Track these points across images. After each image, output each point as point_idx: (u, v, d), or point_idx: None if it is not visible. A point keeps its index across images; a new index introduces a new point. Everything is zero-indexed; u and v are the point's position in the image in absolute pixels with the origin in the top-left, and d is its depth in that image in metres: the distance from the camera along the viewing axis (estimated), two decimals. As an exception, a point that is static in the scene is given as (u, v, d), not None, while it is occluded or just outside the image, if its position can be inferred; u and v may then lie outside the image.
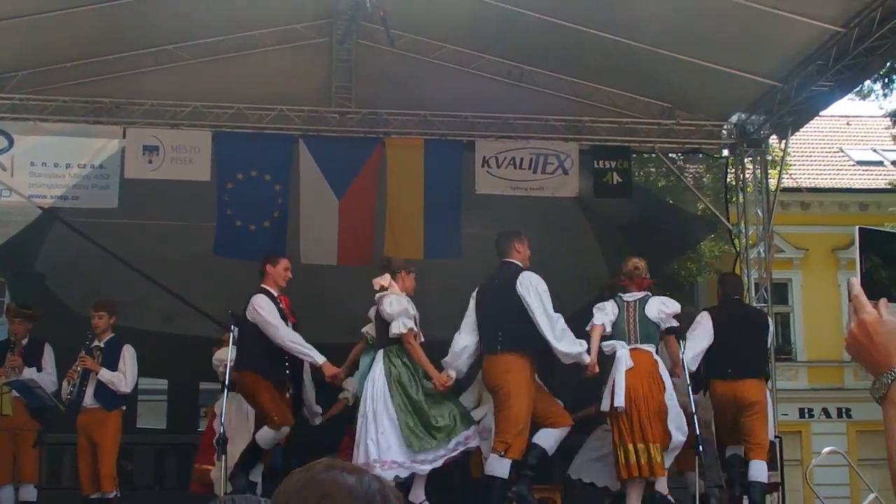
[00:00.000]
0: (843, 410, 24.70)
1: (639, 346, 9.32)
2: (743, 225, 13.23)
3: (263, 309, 9.36)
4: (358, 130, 12.73)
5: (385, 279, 9.46)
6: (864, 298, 2.06)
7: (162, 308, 14.83)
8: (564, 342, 8.94)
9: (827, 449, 13.13)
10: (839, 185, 26.16)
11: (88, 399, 9.95)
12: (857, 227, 2.12)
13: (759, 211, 13.13)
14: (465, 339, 9.26)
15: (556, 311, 9.11)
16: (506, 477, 8.68)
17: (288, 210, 12.41)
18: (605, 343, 9.40)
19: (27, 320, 10.66)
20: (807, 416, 24.24)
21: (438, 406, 9.03)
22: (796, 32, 10.58)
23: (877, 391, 1.99)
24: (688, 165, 18.87)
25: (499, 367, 8.97)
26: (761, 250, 13.03)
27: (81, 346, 10.06)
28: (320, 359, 9.34)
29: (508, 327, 9.01)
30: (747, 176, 13.43)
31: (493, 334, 9.09)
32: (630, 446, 8.97)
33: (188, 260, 13.75)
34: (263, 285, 9.64)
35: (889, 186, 24.05)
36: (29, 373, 10.23)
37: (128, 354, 10.13)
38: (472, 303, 9.42)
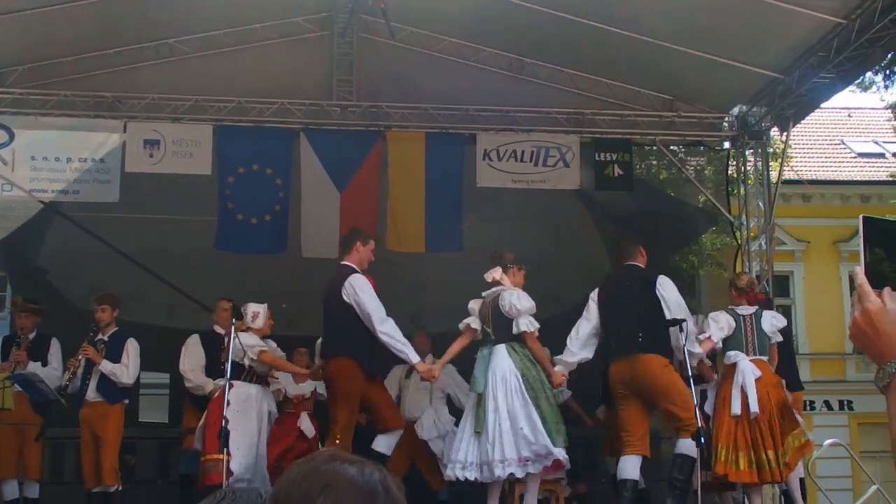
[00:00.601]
0: (845, 403, 24.69)
1: (757, 356, 9.68)
2: (744, 217, 13.23)
3: (364, 290, 9.03)
4: (359, 124, 12.71)
5: (496, 272, 9.35)
6: (867, 287, 2.05)
7: (163, 302, 14.86)
8: (690, 343, 9.04)
9: (829, 441, 13.12)
10: (841, 178, 26.12)
11: (91, 392, 9.92)
12: (860, 215, 2.11)
13: (760, 203, 13.13)
14: (584, 340, 9.35)
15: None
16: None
17: (289, 204, 12.40)
18: (729, 353, 9.74)
19: (34, 315, 10.61)
20: (808, 408, 24.17)
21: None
22: (797, 24, 10.56)
23: (880, 380, 1.99)
24: (689, 158, 18.84)
25: (648, 364, 9.03)
26: (763, 243, 13.02)
27: (85, 338, 10.02)
28: (415, 357, 9.18)
29: (648, 328, 9.11)
30: (748, 168, 13.42)
31: (633, 335, 9.15)
32: (766, 453, 9.34)
33: (189, 254, 13.77)
34: (351, 264, 9.25)
35: (891, 178, 24.03)
36: (34, 367, 10.19)
37: (131, 348, 10.09)
38: (594, 304, 9.45)
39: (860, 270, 2.06)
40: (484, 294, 9.36)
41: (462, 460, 8.93)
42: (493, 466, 8.74)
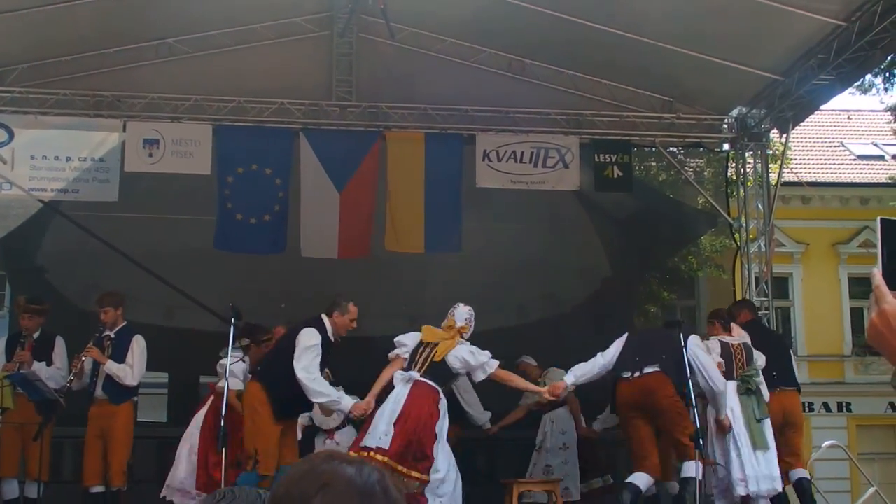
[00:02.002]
0: (844, 405, 24.70)
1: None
2: (743, 219, 13.23)
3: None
4: (358, 124, 12.71)
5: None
6: (884, 288, 2.04)
7: (162, 301, 14.84)
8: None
9: (827, 443, 13.15)
10: (840, 180, 26.12)
11: (99, 391, 9.92)
12: (878, 217, 2.10)
13: (759, 205, 13.13)
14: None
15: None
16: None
17: (288, 203, 12.40)
18: None
19: (38, 315, 10.58)
20: (807, 410, 24.15)
21: None
22: (797, 26, 10.57)
23: None
24: (688, 159, 18.87)
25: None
26: (762, 244, 13.03)
27: (91, 337, 9.98)
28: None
29: None
30: (748, 170, 13.42)
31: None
32: None
33: (189, 253, 13.75)
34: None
35: (890, 181, 24.03)
36: (38, 367, 10.17)
37: (136, 347, 10.01)
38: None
39: (877, 272, 2.05)
40: None
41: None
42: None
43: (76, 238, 13.92)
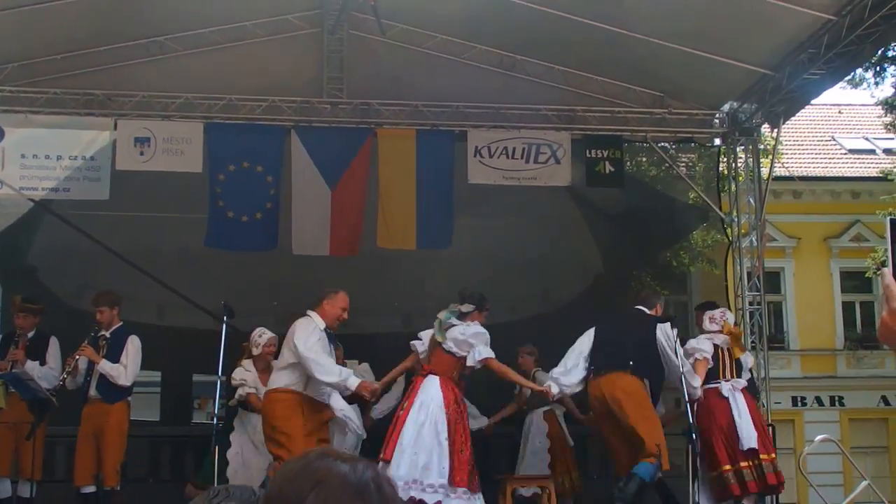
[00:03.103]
0: (836, 398, 24.76)
1: None
2: (735, 214, 13.24)
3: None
4: (350, 121, 12.69)
5: None
6: (895, 287, 2.05)
7: (154, 300, 14.84)
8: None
9: (820, 437, 13.17)
10: (831, 174, 26.17)
11: (93, 390, 9.89)
12: (888, 217, 2.11)
13: (751, 200, 13.14)
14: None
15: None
16: None
17: (280, 201, 12.38)
18: None
19: (33, 315, 10.57)
20: (799, 404, 24.28)
21: None
22: (788, 20, 10.57)
23: None
24: (680, 155, 18.87)
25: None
26: (753, 239, 13.03)
27: (88, 335, 9.95)
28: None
29: None
30: (739, 165, 13.44)
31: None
32: None
33: (180, 251, 13.76)
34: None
35: (881, 175, 24.06)
36: (31, 366, 10.16)
37: (131, 347, 9.98)
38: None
39: (888, 271, 2.07)
40: None
41: None
42: None
43: (67, 237, 13.91)
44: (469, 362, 9.12)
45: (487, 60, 12.64)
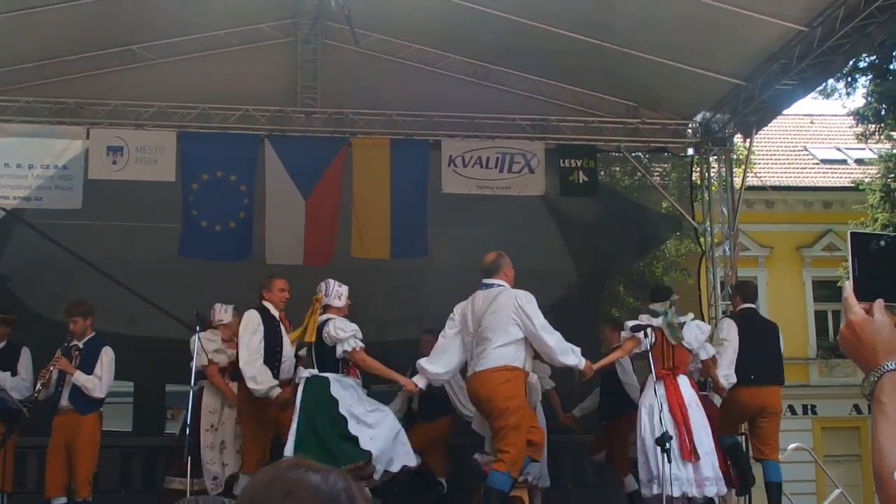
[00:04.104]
0: (809, 407, 24.86)
1: None
2: (708, 223, 13.29)
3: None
4: (324, 130, 12.69)
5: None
6: (852, 300, 2.12)
7: (127, 310, 14.74)
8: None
9: (792, 445, 13.23)
10: (803, 184, 26.31)
11: (64, 401, 9.80)
12: (849, 231, 2.17)
13: (724, 209, 13.20)
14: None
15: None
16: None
17: (253, 210, 12.36)
18: None
19: (4, 325, 10.49)
20: (772, 412, 24.35)
21: None
22: (760, 31, 10.63)
23: (865, 389, 2.04)
24: (653, 164, 18.92)
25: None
26: (727, 248, 13.09)
27: (60, 346, 9.87)
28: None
29: None
30: (712, 174, 13.49)
31: None
32: None
33: (153, 261, 13.68)
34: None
35: (853, 185, 24.22)
36: (3, 377, 10.06)
37: (106, 358, 9.90)
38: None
39: (848, 284, 2.12)
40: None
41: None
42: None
43: (39, 246, 13.82)
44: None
45: (461, 70, 12.66)
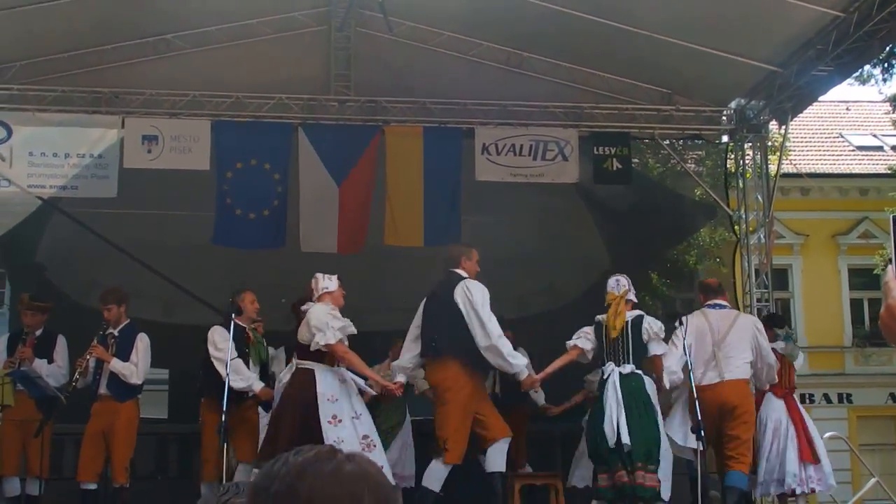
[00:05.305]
0: (844, 396, 24.74)
1: None
2: (743, 211, 13.21)
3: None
4: (357, 118, 12.70)
5: None
6: (893, 284, 2.10)
7: (162, 297, 14.84)
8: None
9: (828, 434, 13.13)
10: (839, 171, 26.15)
11: (103, 388, 9.88)
12: (891, 215, 2.15)
13: (759, 197, 13.12)
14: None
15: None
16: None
17: (287, 198, 12.39)
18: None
19: (40, 313, 10.59)
20: (808, 401, 24.21)
21: None
22: (796, 17, 10.56)
23: None
24: (687, 152, 18.85)
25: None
26: (761, 236, 13.02)
27: (96, 334, 9.92)
28: None
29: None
30: (747, 162, 13.42)
31: None
32: None
33: (188, 249, 13.75)
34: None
35: (889, 171, 24.02)
36: (39, 364, 10.17)
37: (141, 345, 9.95)
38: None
39: (890, 269, 2.10)
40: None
41: None
42: None
43: (75, 235, 13.92)
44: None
45: (494, 57, 12.63)
